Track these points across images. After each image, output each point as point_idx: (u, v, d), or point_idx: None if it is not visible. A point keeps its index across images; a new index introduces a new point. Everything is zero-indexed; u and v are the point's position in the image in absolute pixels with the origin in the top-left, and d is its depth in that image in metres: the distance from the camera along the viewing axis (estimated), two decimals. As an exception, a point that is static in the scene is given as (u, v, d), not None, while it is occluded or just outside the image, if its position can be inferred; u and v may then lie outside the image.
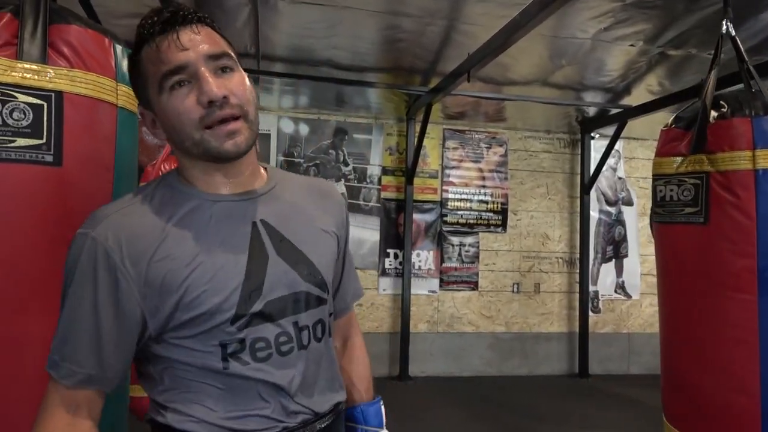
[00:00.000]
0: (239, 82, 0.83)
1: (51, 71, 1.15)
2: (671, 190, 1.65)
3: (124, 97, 1.28)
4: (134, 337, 0.83)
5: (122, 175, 1.30)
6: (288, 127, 4.94)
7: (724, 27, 1.70)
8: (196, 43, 0.80)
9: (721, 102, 1.55)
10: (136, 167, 1.45)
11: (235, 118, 0.82)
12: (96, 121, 1.22)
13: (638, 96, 4.49)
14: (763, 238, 1.48)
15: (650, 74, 4.16)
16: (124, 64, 1.28)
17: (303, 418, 0.88)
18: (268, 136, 4.88)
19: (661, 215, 1.71)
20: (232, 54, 0.85)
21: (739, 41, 1.68)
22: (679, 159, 1.63)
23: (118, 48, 1.27)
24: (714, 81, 1.59)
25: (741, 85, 1.76)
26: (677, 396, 1.70)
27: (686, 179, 1.61)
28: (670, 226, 1.68)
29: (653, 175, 1.74)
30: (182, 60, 0.79)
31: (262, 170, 0.97)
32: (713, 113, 1.56)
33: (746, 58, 1.68)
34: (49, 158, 1.14)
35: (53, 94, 1.15)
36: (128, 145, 1.34)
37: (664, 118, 4.96)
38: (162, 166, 2.74)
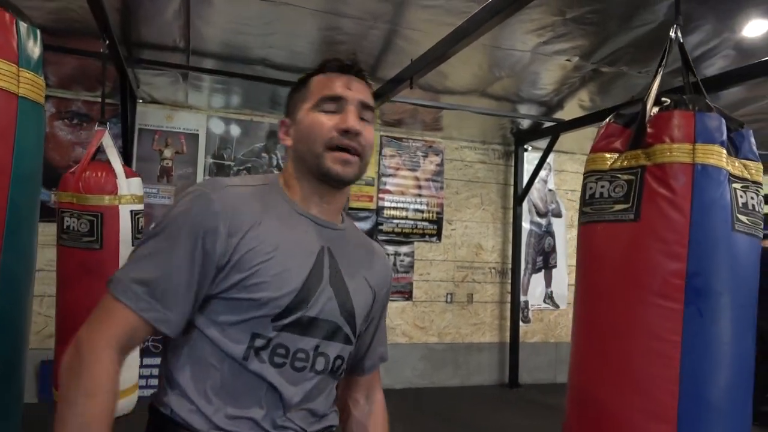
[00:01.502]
0: (370, 133, 1.00)
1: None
2: (602, 187, 1.51)
3: (28, 85, 1.06)
4: (195, 295, 0.89)
5: (22, 175, 1.08)
6: (218, 127, 4.68)
7: (673, 33, 1.66)
8: (358, 90, 0.99)
9: (663, 99, 1.50)
10: (41, 167, 1.22)
11: (355, 154, 0.96)
12: None
13: (570, 111, 4.60)
14: (695, 239, 1.35)
15: (582, 90, 4.26)
16: (30, 44, 1.07)
17: None
18: (195, 137, 4.60)
19: (588, 214, 1.56)
20: (373, 112, 1.03)
21: (686, 50, 1.67)
22: (614, 155, 1.51)
23: (23, 27, 1.06)
24: (658, 83, 1.54)
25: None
26: (584, 418, 1.52)
27: (620, 175, 1.48)
28: (596, 225, 1.53)
29: (584, 173, 1.61)
30: (342, 93, 0.97)
31: (341, 215, 1.08)
32: (654, 109, 1.47)
33: (693, 67, 1.67)
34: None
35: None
36: (31, 144, 1.11)
37: (593, 133, 5.12)
38: (83, 175, 2.46)
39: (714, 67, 3.49)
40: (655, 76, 1.58)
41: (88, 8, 2.53)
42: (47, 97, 4.16)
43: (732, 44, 3.27)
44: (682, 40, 1.65)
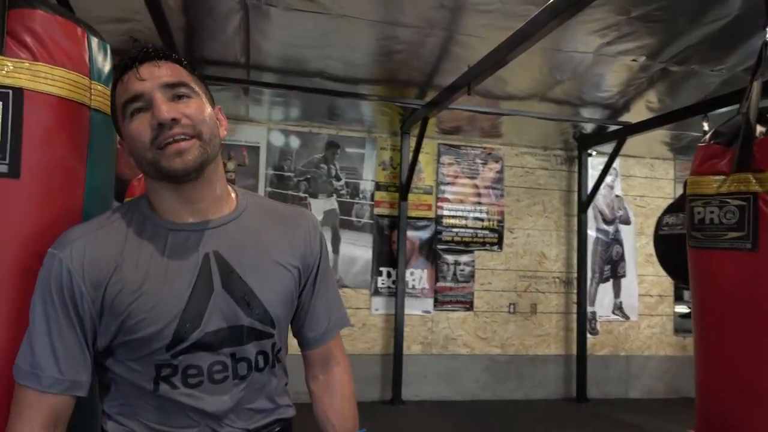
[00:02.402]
0: (195, 107, 0.90)
1: (9, 64, 0.97)
2: (711, 212, 1.49)
3: (100, 97, 1.10)
4: (90, 350, 0.90)
5: (96, 188, 1.11)
6: (278, 140, 4.78)
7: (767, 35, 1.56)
8: (154, 74, 0.88)
9: (767, 116, 1.42)
10: (113, 180, 1.26)
11: (187, 138, 0.88)
12: (63, 125, 1.03)
13: (638, 113, 4.40)
14: None
15: (650, 90, 4.07)
16: (101, 58, 1.11)
17: None
18: (257, 149, 4.72)
19: (699, 240, 1.55)
20: (193, 84, 0.92)
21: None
22: (720, 178, 1.48)
23: (94, 41, 1.09)
24: (758, 93, 1.45)
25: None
26: None
27: (729, 200, 1.46)
28: (710, 252, 1.52)
29: (689, 196, 1.59)
30: (139, 89, 0.88)
31: (233, 195, 1.00)
32: (759, 128, 1.42)
33: None
34: (3, 168, 0.96)
35: (11, 91, 0.97)
36: (104, 155, 1.14)
37: (661, 135, 4.92)
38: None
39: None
40: (750, 84, 1.49)
41: (155, 29, 2.65)
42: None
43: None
44: None
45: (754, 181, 1.41)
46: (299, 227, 1.04)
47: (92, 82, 1.08)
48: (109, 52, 1.14)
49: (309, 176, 4.80)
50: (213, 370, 0.90)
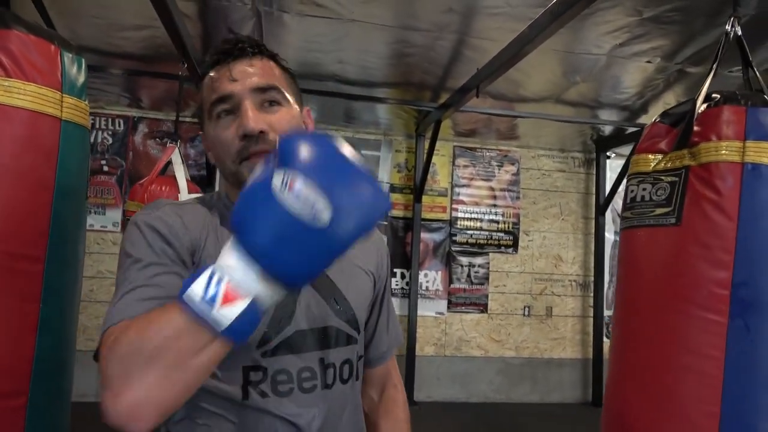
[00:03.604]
0: (282, 118, 0.84)
1: (-17, 81, 1.05)
2: (644, 190, 1.41)
3: (71, 109, 1.18)
4: None
5: (65, 193, 1.19)
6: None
7: (729, 26, 1.53)
8: (246, 75, 0.83)
9: (713, 95, 1.38)
10: (86, 185, 1.34)
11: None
12: (34, 136, 1.11)
13: (655, 114, 4.30)
14: (742, 246, 1.21)
15: (668, 92, 4.01)
16: (74, 72, 1.18)
17: None
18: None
19: (629, 219, 1.46)
20: (284, 86, 0.87)
21: (745, 42, 1.52)
22: (658, 156, 1.41)
23: (68, 56, 1.17)
24: (711, 78, 1.42)
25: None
26: None
27: (663, 177, 1.37)
28: (635, 230, 1.42)
29: (627, 175, 1.52)
30: (228, 90, 0.82)
31: None
32: (703, 106, 1.36)
33: (751, 62, 1.52)
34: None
35: (-17, 106, 1.04)
36: (74, 162, 1.23)
37: (682, 137, 4.84)
38: (149, 187, 2.64)
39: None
40: (709, 72, 1.47)
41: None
42: (141, 119, 4.54)
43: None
44: (740, 33, 1.53)
45: (688, 155, 1.34)
46: (374, 240, 1.01)
47: (63, 95, 1.16)
48: (84, 65, 1.22)
49: (325, 178, 4.85)
50: (302, 377, 0.81)
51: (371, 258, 0.97)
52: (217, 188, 4.63)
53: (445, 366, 4.84)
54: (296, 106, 0.89)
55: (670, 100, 4.14)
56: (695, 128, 1.36)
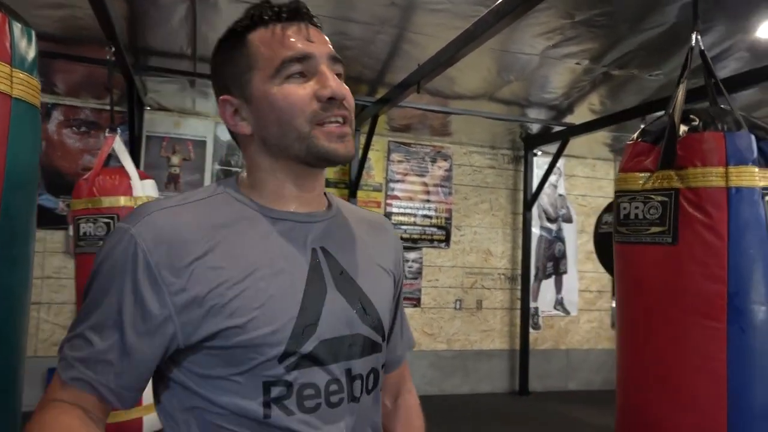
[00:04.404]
0: (349, 92, 0.78)
1: None
2: (636, 208, 1.54)
3: (22, 86, 1.04)
4: (157, 356, 0.70)
5: (17, 182, 1.05)
6: (225, 134, 4.67)
7: (693, 40, 1.64)
8: (322, 41, 0.77)
9: (692, 116, 1.48)
10: (37, 173, 1.19)
11: (347, 124, 0.76)
12: None
13: (581, 114, 4.55)
14: (733, 261, 1.40)
15: (593, 93, 4.22)
16: (24, 44, 1.05)
17: None
18: (203, 143, 4.60)
19: (625, 234, 1.60)
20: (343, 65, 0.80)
21: (708, 56, 1.63)
22: (646, 175, 1.54)
23: (17, 27, 1.03)
24: (683, 95, 1.53)
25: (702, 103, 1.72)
26: None
27: (653, 196, 1.51)
28: (634, 246, 1.58)
29: (616, 192, 1.64)
30: (308, 51, 0.74)
31: (325, 195, 0.87)
32: (683, 127, 1.49)
33: (715, 73, 1.63)
34: None
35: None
36: (26, 148, 1.08)
37: (603, 137, 5.10)
38: (96, 181, 2.46)
39: (727, 69, 3.43)
40: (677, 87, 1.57)
41: (94, 16, 2.53)
42: (55, 105, 4.21)
43: (746, 46, 3.22)
44: (702, 47, 1.64)
45: (676, 177, 1.47)
46: (388, 233, 0.93)
47: (14, 69, 1.02)
48: (34, 38, 1.09)
49: (257, 171, 4.71)
50: (330, 391, 0.74)
51: (390, 255, 0.90)
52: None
53: (380, 361, 4.85)
54: None
55: (594, 101, 4.35)
56: (679, 152, 1.48)
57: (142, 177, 2.63)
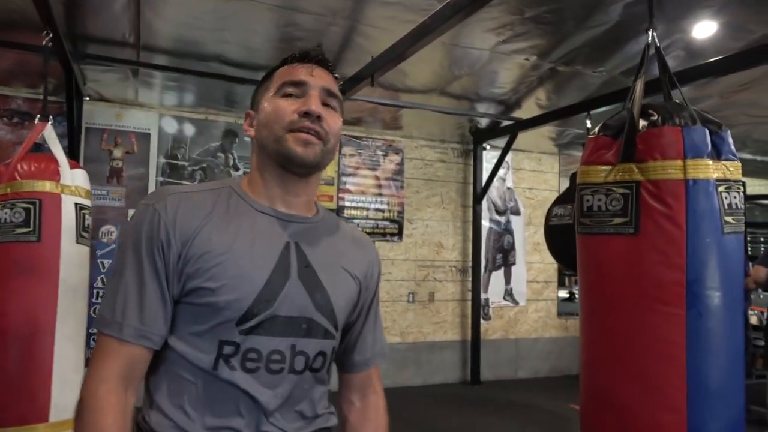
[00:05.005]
0: (335, 120, 0.97)
1: None
2: (599, 200, 1.59)
3: None
4: (171, 304, 0.90)
5: None
6: (171, 126, 4.52)
7: (650, 37, 1.71)
8: (321, 76, 0.98)
9: (650, 111, 1.54)
10: None
11: (318, 137, 0.93)
12: None
13: (528, 109, 4.65)
14: (691, 250, 1.46)
15: (540, 89, 4.32)
16: None
17: None
18: (147, 136, 4.43)
19: (588, 226, 1.65)
20: (341, 102, 1.01)
21: (663, 52, 1.70)
22: (607, 168, 1.59)
23: None
24: (641, 90, 1.59)
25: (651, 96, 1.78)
26: (603, 415, 1.64)
27: (615, 189, 1.56)
28: (597, 238, 1.63)
29: (579, 184, 1.69)
30: (303, 78, 0.96)
31: (315, 206, 1.05)
32: (642, 122, 1.54)
33: (669, 69, 1.70)
34: None
35: None
36: None
37: (548, 131, 5.25)
38: (18, 166, 2.30)
39: (665, 67, 3.58)
40: (635, 82, 1.62)
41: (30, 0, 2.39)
42: (-17, 94, 3.94)
43: (683, 45, 3.37)
44: (658, 43, 1.71)
45: (636, 170, 1.53)
46: (366, 250, 1.09)
47: None
48: None
49: (205, 165, 4.59)
50: (271, 359, 0.90)
51: (361, 266, 1.04)
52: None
53: (334, 355, 4.83)
54: (341, 122, 1.01)
55: (541, 96, 4.46)
56: (639, 146, 1.53)
57: (73, 166, 2.47)
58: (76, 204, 2.38)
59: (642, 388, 1.51)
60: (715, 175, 1.49)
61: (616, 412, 1.57)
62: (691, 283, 1.46)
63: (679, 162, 1.47)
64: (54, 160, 2.36)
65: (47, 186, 2.29)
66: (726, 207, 1.50)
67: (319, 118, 0.93)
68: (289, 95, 0.95)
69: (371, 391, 1.12)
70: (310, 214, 1.01)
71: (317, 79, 0.96)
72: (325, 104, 0.96)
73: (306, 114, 0.92)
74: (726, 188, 1.51)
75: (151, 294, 0.88)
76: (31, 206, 2.24)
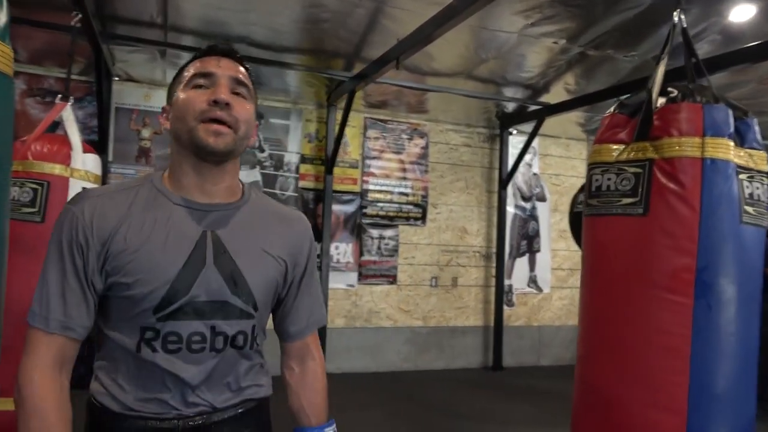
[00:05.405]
0: (244, 107, 1.02)
1: None
2: (609, 179, 1.50)
3: None
4: (94, 299, 0.98)
5: None
6: (198, 108, 4.56)
7: (676, 17, 1.62)
8: (228, 66, 1.03)
9: (670, 89, 1.47)
10: (11, 146, 1.14)
11: (228, 127, 0.98)
12: None
13: (556, 94, 4.56)
14: (704, 235, 1.35)
15: (568, 73, 4.23)
16: None
17: (200, 409, 1.00)
18: (175, 117, 4.48)
19: (595, 207, 1.55)
20: (252, 92, 1.06)
21: (689, 34, 1.63)
22: (620, 147, 1.50)
23: None
24: (663, 70, 1.51)
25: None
26: (592, 413, 1.52)
27: (627, 168, 1.47)
28: (603, 218, 1.52)
29: (589, 164, 1.60)
30: (212, 70, 1.01)
31: (241, 191, 1.10)
32: (661, 99, 1.45)
33: (696, 52, 1.63)
34: None
35: None
36: (1, 118, 1.03)
37: (576, 117, 5.14)
38: (32, 146, 2.35)
39: (700, 51, 3.46)
40: (658, 64, 1.54)
41: (59, -20, 2.42)
42: (16, 74, 4.04)
43: (719, 29, 3.25)
44: (685, 25, 1.62)
45: (651, 148, 1.44)
46: (293, 228, 1.13)
47: None
48: (5, 3, 1.02)
49: (231, 147, 4.62)
50: (192, 340, 0.98)
51: (285, 246, 1.10)
52: (111, 156, 4.26)
53: (356, 337, 4.88)
54: (253, 108, 1.06)
55: (569, 80, 4.37)
56: (656, 122, 1.43)
57: (86, 150, 2.50)
58: (84, 189, 2.43)
59: (639, 383, 1.41)
60: (736, 160, 1.39)
61: (608, 410, 1.46)
62: (701, 271, 1.36)
63: (697, 139, 1.37)
64: (67, 144, 2.40)
65: (56, 169, 2.34)
66: (747, 196, 1.40)
67: (228, 105, 0.98)
68: (199, 86, 1.00)
69: (309, 357, 1.18)
70: (233, 199, 1.07)
71: (225, 69, 1.02)
72: (234, 93, 1.01)
73: (215, 102, 0.97)
74: (748, 177, 1.41)
75: (72, 290, 0.95)
76: (39, 187, 2.29)
